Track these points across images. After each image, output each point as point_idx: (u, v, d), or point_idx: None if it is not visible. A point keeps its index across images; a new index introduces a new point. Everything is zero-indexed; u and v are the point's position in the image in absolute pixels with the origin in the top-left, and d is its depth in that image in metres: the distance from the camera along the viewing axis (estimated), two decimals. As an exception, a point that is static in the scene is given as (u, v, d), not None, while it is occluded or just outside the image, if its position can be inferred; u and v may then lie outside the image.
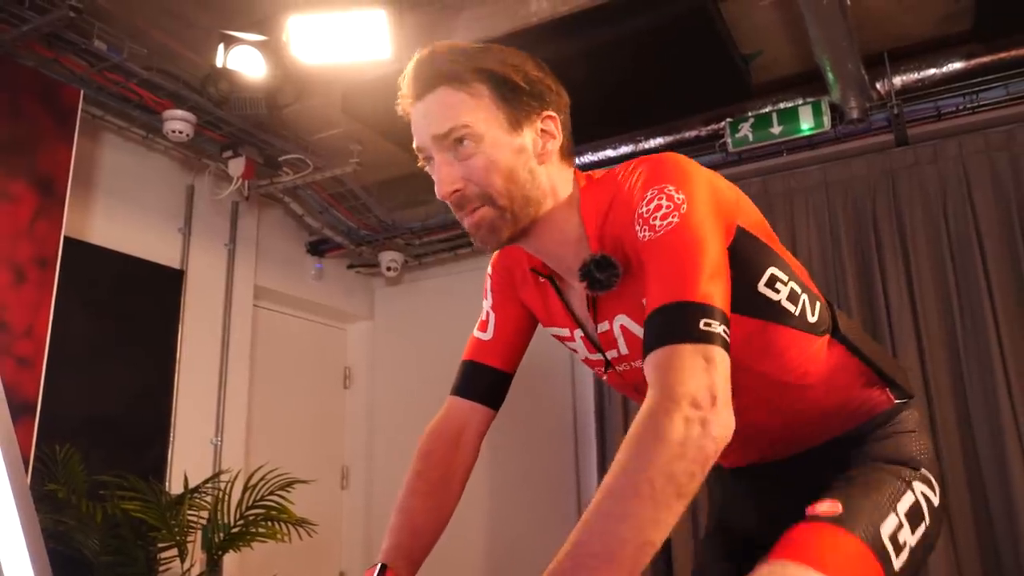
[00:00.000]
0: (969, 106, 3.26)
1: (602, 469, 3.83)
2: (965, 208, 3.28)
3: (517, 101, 1.08)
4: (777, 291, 1.12)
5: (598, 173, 1.16)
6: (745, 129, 3.47)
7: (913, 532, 1.07)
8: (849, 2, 2.70)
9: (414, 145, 1.11)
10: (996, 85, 3.19)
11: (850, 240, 3.47)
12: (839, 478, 1.14)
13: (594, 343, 1.20)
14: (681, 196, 1.00)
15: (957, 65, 3.19)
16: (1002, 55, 3.13)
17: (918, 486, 1.13)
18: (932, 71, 3.22)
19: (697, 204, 1.00)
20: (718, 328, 0.90)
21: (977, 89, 3.22)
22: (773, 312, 1.12)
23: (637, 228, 1.02)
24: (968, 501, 3.06)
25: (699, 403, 0.85)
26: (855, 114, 3.34)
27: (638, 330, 1.08)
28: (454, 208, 1.11)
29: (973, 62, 3.17)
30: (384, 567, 1.15)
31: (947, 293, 3.26)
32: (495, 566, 4.22)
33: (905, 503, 1.09)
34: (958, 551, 3.02)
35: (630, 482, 0.81)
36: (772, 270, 1.12)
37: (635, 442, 0.84)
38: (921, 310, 3.27)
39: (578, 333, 1.22)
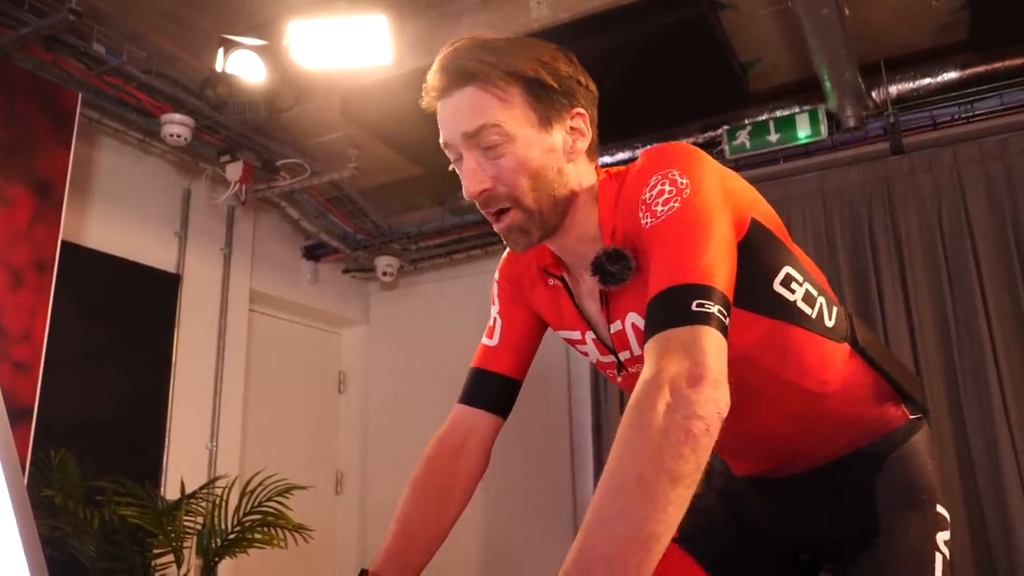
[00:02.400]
0: (964, 115, 3.29)
1: (598, 473, 3.82)
2: (960, 216, 3.31)
3: (548, 100, 1.06)
4: (793, 291, 1.10)
5: (616, 168, 1.14)
6: (742, 136, 3.49)
7: None
8: (847, 12, 2.73)
9: (441, 141, 1.09)
10: (990, 95, 3.23)
11: (846, 247, 3.49)
12: (872, 554, 1.13)
13: (606, 344, 1.18)
14: (685, 180, 0.97)
15: (952, 75, 3.22)
16: (996, 65, 3.16)
17: (940, 537, 1.14)
18: (928, 80, 3.25)
19: (701, 188, 0.97)
20: (712, 308, 0.87)
21: (972, 99, 3.25)
22: (789, 312, 1.10)
23: (640, 215, 0.99)
24: (963, 508, 3.07)
25: (679, 386, 0.82)
26: (852, 122, 3.37)
27: None
28: (480, 206, 1.09)
29: (968, 72, 3.20)
30: (363, 572, 1.14)
31: (942, 300, 3.28)
32: (490, 571, 4.21)
33: (938, 571, 1.11)
34: (952, 559, 3.03)
35: (621, 478, 0.79)
36: (788, 269, 1.10)
37: (622, 436, 0.82)
38: (916, 317, 3.30)
39: (589, 335, 1.19)
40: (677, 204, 0.96)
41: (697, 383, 0.82)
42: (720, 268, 0.91)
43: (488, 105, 1.03)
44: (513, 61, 1.05)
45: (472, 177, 1.05)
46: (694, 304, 0.87)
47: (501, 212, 1.07)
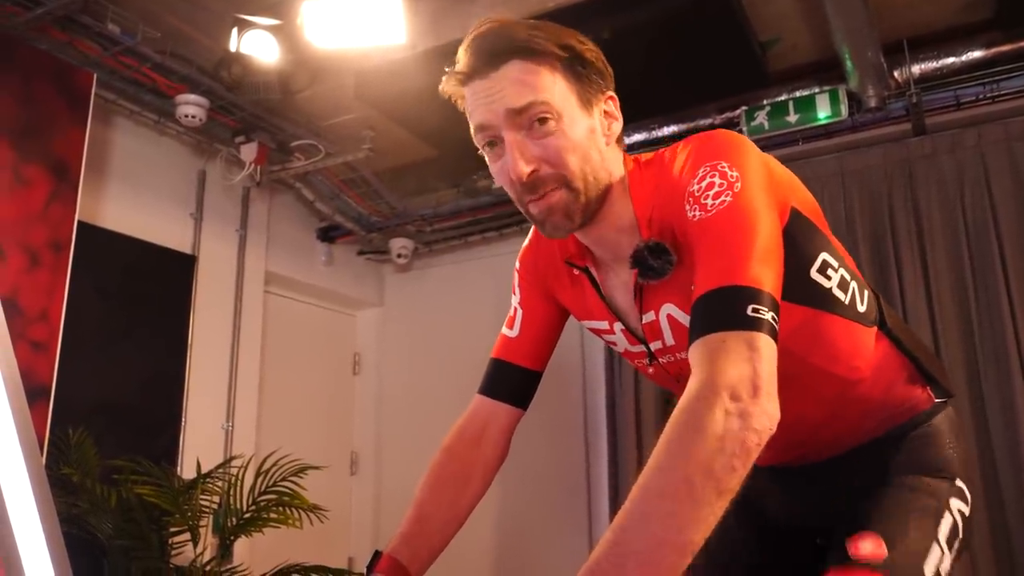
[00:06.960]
0: (989, 95, 3.22)
1: (613, 463, 3.81)
2: (983, 198, 3.25)
3: (588, 79, 1.03)
4: (829, 278, 1.08)
5: (645, 156, 1.11)
6: (761, 117, 3.44)
7: (951, 552, 1.07)
8: (870, -12, 2.68)
9: (474, 123, 1.03)
10: (1016, 74, 3.15)
11: (866, 230, 3.44)
12: (878, 499, 1.11)
13: (636, 335, 1.15)
14: (735, 173, 0.95)
15: (977, 54, 3.15)
16: (1022, 44, 3.09)
17: (954, 503, 1.11)
18: (951, 59, 3.18)
19: (751, 182, 0.94)
20: (766, 315, 0.85)
21: (997, 78, 3.17)
22: (824, 300, 1.08)
23: (687, 207, 0.96)
24: (982, 489, 3.03)
25: (739, 394, 0.80)
26: (873, 103, 3.30)
27: (686, 320, 1.00)
28: (522, 192, 1.02)
29: (993, 51, 3.12)
30: (378, 553, 1.13)
31: (963, 284, 3.23)
32: (504, 560, 4.22)
33: (944, 528, 1.08)
34: (970, 540, 3.01)
35: (668, 479, 0.77)
36: (824, 255, 1.08)
37: (673, 436, 0.80)
38: (936, 301, 3.25)
39: (618, 326, 1.17)
40: (728, 199, 0.93)
41: (756, 394, 0.81)
42: (771, 271, 0.89)
43: (536, 79, 0.99)
44: (557, 34, 1.02)
45: (518, 159, 0.99)
46: (750, 309, 0.85)
47: (545, 193, 1.02)
